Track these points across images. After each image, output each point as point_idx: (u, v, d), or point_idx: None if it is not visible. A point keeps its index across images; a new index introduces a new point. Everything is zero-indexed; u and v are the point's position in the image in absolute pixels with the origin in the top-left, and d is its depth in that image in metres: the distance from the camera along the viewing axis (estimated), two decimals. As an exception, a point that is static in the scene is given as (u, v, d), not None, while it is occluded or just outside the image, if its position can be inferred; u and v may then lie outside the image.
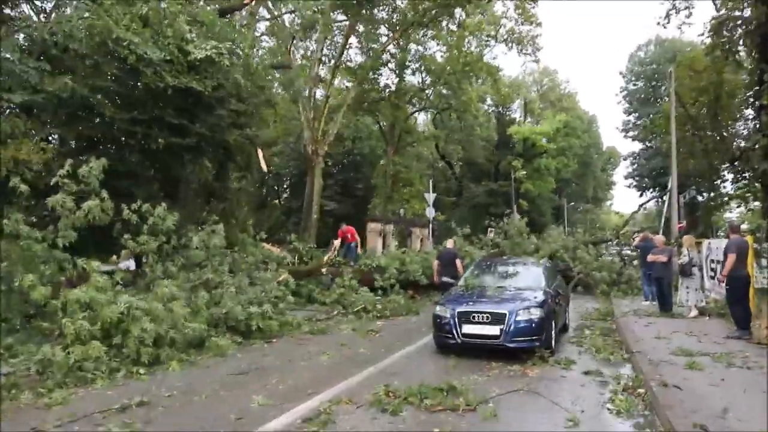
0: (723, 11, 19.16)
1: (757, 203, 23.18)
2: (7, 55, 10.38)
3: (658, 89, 39.96)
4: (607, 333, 9.67)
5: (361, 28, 25.70)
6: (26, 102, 10.31)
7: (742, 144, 22.36)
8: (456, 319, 7.57)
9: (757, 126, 20.00)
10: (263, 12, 24.03)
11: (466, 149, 40.11)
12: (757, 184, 20.89)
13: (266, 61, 22.92)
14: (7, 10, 11.88)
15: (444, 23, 27.93)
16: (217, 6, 13.47)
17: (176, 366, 6.88)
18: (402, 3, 25.38)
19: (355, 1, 21.50)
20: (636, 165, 43.67)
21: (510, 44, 30.54)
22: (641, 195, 42.90)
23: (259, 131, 17.29)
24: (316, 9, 21.97)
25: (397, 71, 31.43)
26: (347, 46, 26.37)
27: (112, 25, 9.89)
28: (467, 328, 7.50)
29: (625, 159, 47.23)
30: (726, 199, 27.11)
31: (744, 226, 19.82)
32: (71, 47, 10.47)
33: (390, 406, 5.13)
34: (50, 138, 12.22)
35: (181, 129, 11.94)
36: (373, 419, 4.90)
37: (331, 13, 22.91)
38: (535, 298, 7.84)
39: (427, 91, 33.80)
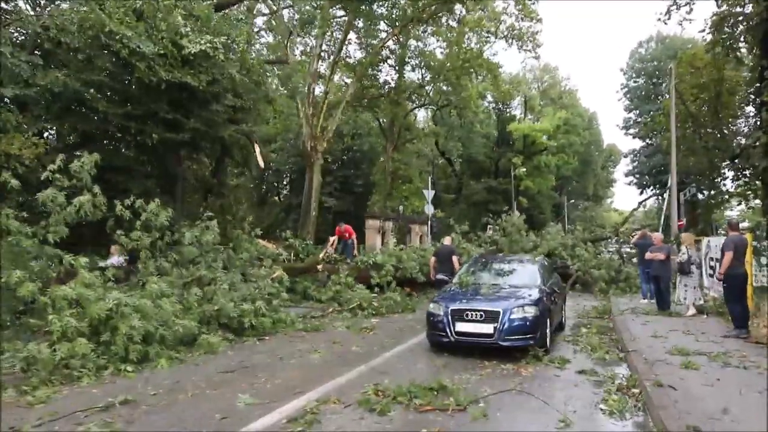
0: (724, 7, 19.01)
1: (757, 201, 23.07)
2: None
3: (658, 86, 39.75)
4: (604, 331, 9.58)
5: (360, 23, 25.55)
6: (18, 96, 10.20)
7: (743, 141, 22.20)
8: (449, 317, 7.46)
9: (758, 123, 19.91)
10: (263, 8, 23.98)
11: (466, 146, 39.93)
12: (757, 182, 20.81)
13: (263, 56, 22.83)
14: (2, 4, 11.78)
15: (444, 19, 27.76)
16: (213, 0, 13.30)
17: (165, 363, 6.79)
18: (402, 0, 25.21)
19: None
20: (636, 162, 43.48)
21: (510, 41, 30.28)
22: (641, 192, 42.77)
23: (257, 127, 17.16)
24: (315, 4, 21.85)
25: (396, 67, 31.25)
26: (346, 42, 26.22)
27: (105, 18, 9.76)
28: (461, 326, 7.39)
29: (625, 156, 47.07)
30: (726, 196, 26.95)
31: (744, 224, 19.77)
32: (64, 41, 10.34)
33: (378, 405, 5.02)
34: (44, 133, 12.14)
35: (176, 124, 11.83)
36: (360, 419, 4.79)
37: (330, 9, 22.77)
38: (530, 296, 7.73)
39: (426, 88, 33.60)
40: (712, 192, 28.02)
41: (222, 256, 10.66)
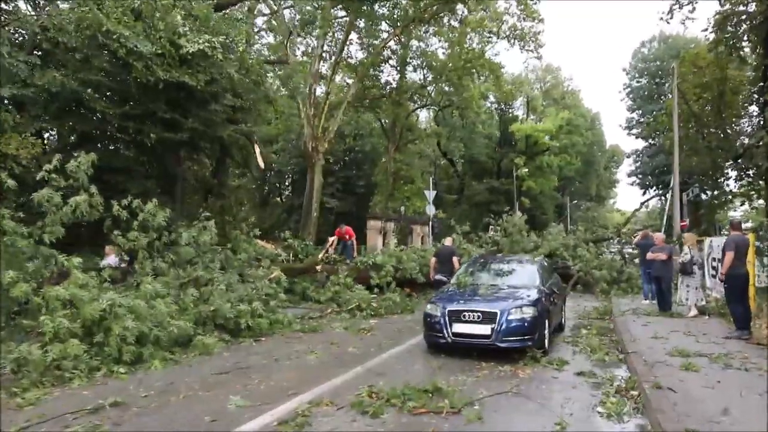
0: (727, 6, 18.91)
1: (761, 201, 22.90)
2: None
3: (661, 86, 39.53)
4: (604, 332, 9.46)
5: (361, 24, 25.48)
6: (16, 96, 10.17)
7: (746, 141, 22.02)
8: (446, 318, 7.37)
9: (762, 123, 19.77)
10: (264, 9, 23.92)
11: (468, 147, 39.78)
12: (761, 182, 20.65)
13: (263, 56, 22.78)
14: (2, 5, 11.76)
15: (446, 20, 27.67)
16: (213, 0, 13.24)
17: (158, 365, 6.72)
18: (403, 0, 25.13)
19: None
20: (639, 162, 43.22)
21: (512, 41, 30.19)
22: (644, 193, 42.52)
23: (257, 127, 17.10)
24: (316, 5, 21.80)
25: (398, 68, 31.16)
26: (348, 43, 26.16)
27: (102, 17, 9.72)
28: (458, 327, 7.30)
29: (628, 156, 46.81)
30: (730, 197, 26.75)
31: (748, 224, 19.61)
32: (61, 41, 10.30)
33: (371, 408, 4.94)
34: (43, 133, 12.11)
35: (174, 124, 11.77)
36: (353, 421, 4.70)
37: (331, 9, 22.71)
38: (528, 296, 7.63)
39: (428, 88, 33.51)
40: (716, 192, 27.81)
41: (220, 256, 10.61)
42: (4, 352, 6.18)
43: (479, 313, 7.25)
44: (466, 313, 7.31)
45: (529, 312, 7.26)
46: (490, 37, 30.27)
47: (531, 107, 46.98)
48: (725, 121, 23.41)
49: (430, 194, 25.59)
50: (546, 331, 7.61)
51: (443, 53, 31.26)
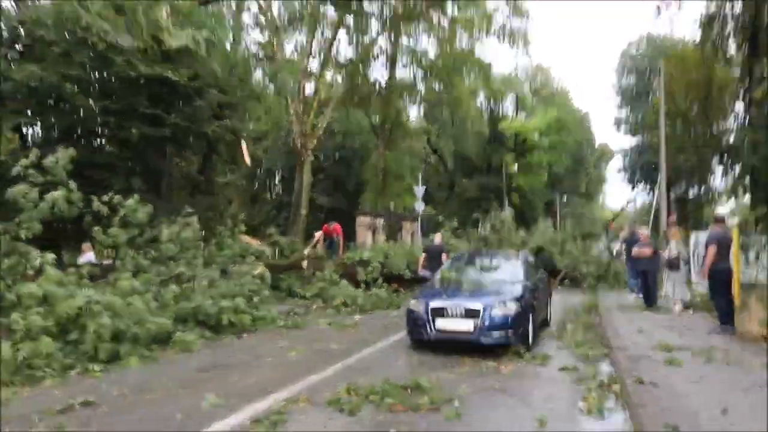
0: (713, 6, 18.90)
1: (747, 197, 22.98)
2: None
3: (649, 85, 39.62)
4: (590, 327, 9.37)
5: (350, 21, 25.26)
6: (-7, 90, 9.93)
7: (732, 139, 22.10)
8: (429, 314, 7.25)
9: (747, 121, 19.80)
10: (253, 5, 23.63)
11: (458, 144, 39.68)
12: (745, 178, 20.70)
13: (253, 53, 22.52)
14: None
15: (435, 17, 27.52)
16: (197, -4, 13.02)
17: (135, 362, 6.55)
18: (393, -1, 24.98)
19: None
20: (628, 160, 43.33)
21: (501, 39, 30.14)
22: (633, 190, 42.64)
23: (244, 124, 16.85)
24: (303, 2, 21.60)
25: (387, 65, 30.97)
26: (336, 40, 25.94)
27: (80, 11, 9.48)
28: (441, 323, 7.18)
29: (616, 154, 46.92)
30: (716, 193, 26.90)
31: (734, 221, 19.65)
32: (38, 33, 10.04)
33: (348, 405, 4.80)
34: (22, 128, 11.81)
35: (157, 119, 11.54)
36: (328, 419, 4.56)
37: (320, 6, 22.50)
38: (512, 292, 7.52)
39: (418, 86, 33.34)
40: (702, 189, 27.95)
41: (203, 253, 10.42)
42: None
43: (462, 309, 7.13)
44: (449, 309, 7.19)
45: (512, 307, 7.15)
46: (479, 35, 30.17)
47: (521, 106, 46.93)
48: (711, 119, 23.49)
49: (420, 191, 25.49)
50: (530, 327, 7.50)
51: (433, 51, 31.13)
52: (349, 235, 24.55)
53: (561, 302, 12.75)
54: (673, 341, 7.35)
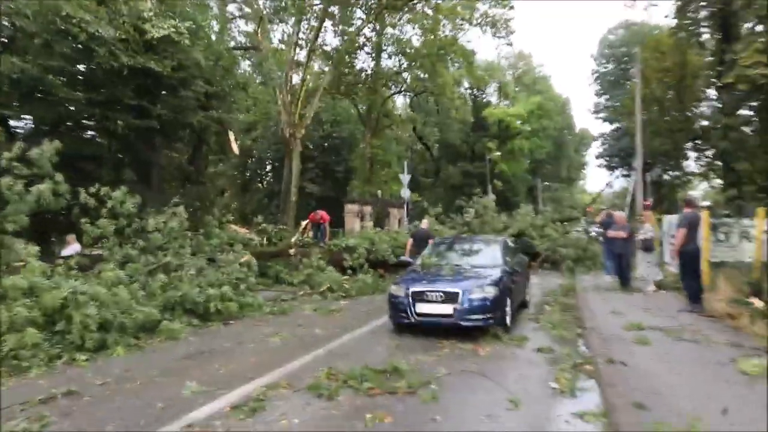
0: (687, -8, 18.84)
1: (718, 180, 23.18)
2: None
3: (627, 72, 39.66)
4: (567, 309, 9.40)
5: (336, 11, 24.88)
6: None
7: (704, 123, 22.21)
8: (410, 299, 7.21)
9: (719, 106, 19.89)
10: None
11: (442, 131, 39.56)
12: (717, 162, 20.87)
13: (240, 43, 22.12)
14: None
15: (419, 6, 27.20)
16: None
17: (121, 351, 6.44)
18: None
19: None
20: (606, 145, 43.55)
21: (484, 27, 29.88)
22: (611, 174, 42.92)
23: (232, 115, 16.59)
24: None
25: (373, 55, 30.67)
26: (323, 30, 25.55)
27: (60, 1, 9.18)
28: (421, 307, 7.14)
29: (596, 140, 47.14)
30: (690, 176, 27.10)
31: (706, 203, 19.81)
32: (18, 24, 9.72)
33: (327, 390, 4.76)
34: (7, 120, 11.49)
35: (142, 110, 11.28)
36: (307, 404, 4.52)
37: (305, -4, 22.11)
38: (490, 276, 7.49)
39: (403, 75, 33.08)
40: (677, 172, 28.14)
41: (191, 242, 10.27)
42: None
43: (441, 293, 7.10)
44: (429, 294, 7.15)
45: (490, 291, 7.12)
46: (462, 24, 29.89)
47: (503, 93, 46.78)
48: (686, 105, 23.55)
49: (405, 178, 25.43)
50: (508, 309, 7.50)
51: (417, 40, 30.83)
52: (338, 222, 24.47)
53: (540, 284, 12.82)
54: (645, 321, 7.39)
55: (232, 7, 22.11)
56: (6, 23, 10.52)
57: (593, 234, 18.36)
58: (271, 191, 33.30)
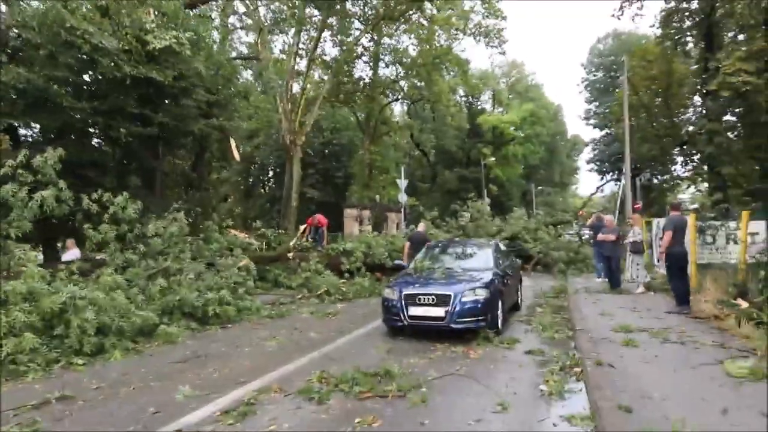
0: (672, 3, 18.83)
1: (705, 184, 23.12)
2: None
3: (616, 79, 39.65)
4: (558, 310, 9.32)
5: (334, 22, 24.86)
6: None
7: (690, 129, 22.16)
8: (403, 302, 7.10)
9: (704, 112, 19.84)
10: (242, 8, 23.11)
11: (439, 138, 39.49)
12: (704, 166, 20.81)
13: (242, 53, 22.06)
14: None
15: (415, 17, 27.20)
16: (182, -1, 12.58)
17: (119, 355, 6.32)
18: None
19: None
20: (597, 151, 43.49)
21: (478, 37, 29.87)
22: (602, 179, 42.84)
23: (233, 122, 16.48)
24: (290, 4, 21.15)
25: (371, 64, 30.66)
26: (321, 40, 25.53)
27: (65, 13, 9.09)
28: (413, 310, 7.03)
29: (587, 145, 47.08)
30: (678, 181, 27.03)
31: (694, 206, 19.70)
32: (24, 36, 9.64)
33: (318, 394, 4.64)
34: (17, 129, 11.39)
35: (144, 119, 11.19)
36: (297, 408, 4.40)
37: (305, 8, 22.05)
38: (481, 279, 7.38)
39: (400, 83, 33.06)
40: (665, 177, 28.07)
41: (191, 247, 10.16)
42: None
43: (433, 296, 6.99)
44: (421, 297, 7.04)
45: (482, 294, 7.01)
46: (456, 34, 29.88)
47: (497, 100, 46.79)
48: (672, 111, 23.51)
49: (402, 183, 25.34)
50: (499, 312, 7.38)
51: (414, 50, 30.81)
52: (338, 226, 24.37)
53: (533, 287, 12.72)
54: (633, 323, 7.28)
55: (233, 19, 22.08)
56: (14, 34, 10.45)
57: (586, 237, 18.32)
58: (273, 196, 33.17)
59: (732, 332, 6.49)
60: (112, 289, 7.14)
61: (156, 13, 11.51)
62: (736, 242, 9.53)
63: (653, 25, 19.57)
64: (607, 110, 36.85)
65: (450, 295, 6.91)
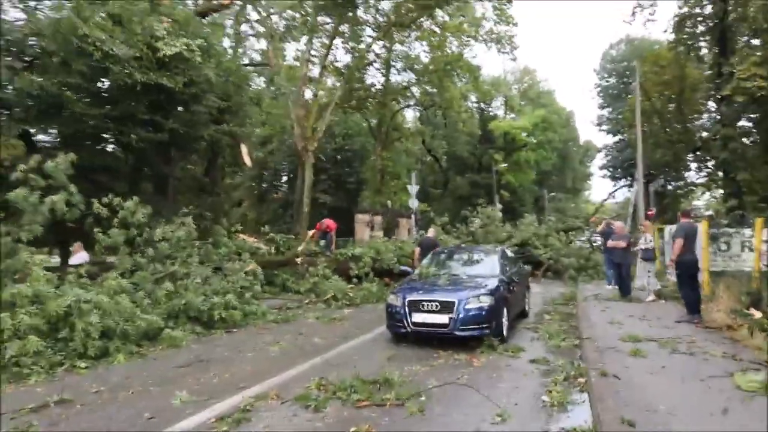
0: (685, 8, 18.51)
1: (720, 191, 22.62)
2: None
3: (629, 85, 39.15)
4: (567, 318, 9.11)
5: (345, 29, 24.93)
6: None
7: (704, 134, 21.71)
8: (406, 308, 6.99)
9: (718, 117, 19.43)
10: (254, 15, 23.29)
11: (450, 144, 39.30)
12: (719, 173, 20.36)
13: (255, 60, 22.19)
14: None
15: (426, 24, 27.18)
16: (192, 6, 12.71)
17: (122, 359, 6.30)
18: (385, 6, 24.61)
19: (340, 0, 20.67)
20: (610, 157, 42.88)
21: (489, 44, 29.74)
22: (615, 185, 42.21)
23: (244, 128, 16.56)
24: (302, 12, 21.25)
25: (383, 70, 30.68)
26: (333, 47, 25.61)
27: (77, 21, 9.20)
28: (417, 317, 6.91)
29: (599, 151, 46.45)
30: (692, 187, 26.50)
31: (709, 212, 19.26)
32: (38, 43, 9.78)
33: (315, 401, 4.55)
34: (31, 135, 11.57)
35: (155, 125, 11.27)
36: (293, 416, 4.31)
37: (317, 16, 22.14)
38: (487, 286, 7.23)
39: (412, 89, 33.02)
40: (679, 183, 27.54)
41: (199, 251, 10.16)
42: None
43: (437, 303, 6.86)
44: (425, 303, 6.92)
45: (486, 301, 6.87)
46: (468, 40, 29.79)
47: (509, 106, 46.43)
48: (685, 116, 23.07)
49: (413, 189, 25.23)
50: (504, 319, 7.22)
51: (425, 56, 30.77)
52: (349, 231, 24.32)
53: (542, 293, 12.50)
54: (641, 332, 7.07)
55: (245, 26, 22.22)
56: (31, 43, 10.61)
57: (597, 243, 18.00)
58: (286, 201, 33.31)
59: (744, 343, 6.26)
60: (117, 292, 7.13)
61: (168, 20, 11.62)
62: (751, 249, 9.25)
63: (666, 30, 19.20)
64: (619, 116, 36.33)
65: (454, 302, 6.78)
